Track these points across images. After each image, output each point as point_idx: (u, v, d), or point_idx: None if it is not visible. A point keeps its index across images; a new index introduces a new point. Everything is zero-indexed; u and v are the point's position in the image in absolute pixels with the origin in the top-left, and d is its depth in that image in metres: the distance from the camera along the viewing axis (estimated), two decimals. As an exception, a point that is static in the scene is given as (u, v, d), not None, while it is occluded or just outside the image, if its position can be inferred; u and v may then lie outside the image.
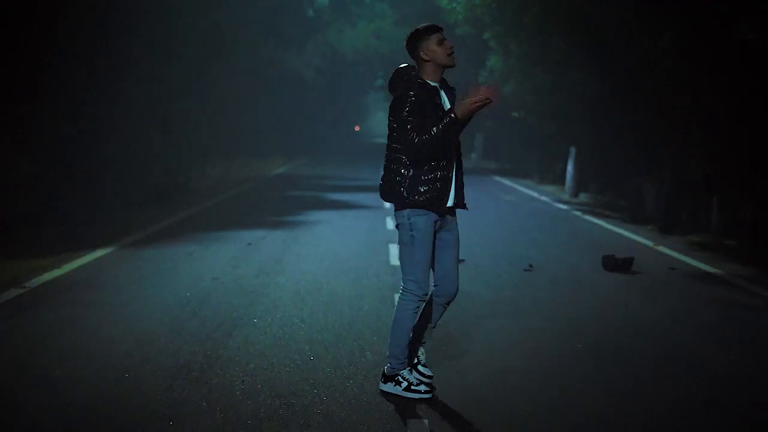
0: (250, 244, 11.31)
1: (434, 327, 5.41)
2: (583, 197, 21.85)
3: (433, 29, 5.00)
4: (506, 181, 27.02)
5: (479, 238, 12.48)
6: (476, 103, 4.71)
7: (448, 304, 5.31)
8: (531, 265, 10.25)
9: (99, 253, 10.29)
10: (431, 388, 5.16)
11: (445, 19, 25.57)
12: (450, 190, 5.06)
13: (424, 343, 5.37)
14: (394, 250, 10.97)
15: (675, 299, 8.64)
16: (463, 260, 10.39)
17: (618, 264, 10.14)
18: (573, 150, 22.75)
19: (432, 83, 5.03)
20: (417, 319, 5.19)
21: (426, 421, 4.79)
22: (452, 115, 4.79)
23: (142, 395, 5.10)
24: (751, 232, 13.34)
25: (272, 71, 30.89)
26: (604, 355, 6.36)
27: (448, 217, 5.16)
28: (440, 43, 4.96)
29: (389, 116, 5.01)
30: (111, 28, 14.68)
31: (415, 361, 5.29)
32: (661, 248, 12.43)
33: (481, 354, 6.25)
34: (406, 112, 4.86)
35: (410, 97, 4.88)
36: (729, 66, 11.30)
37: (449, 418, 4.88)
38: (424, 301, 5.17)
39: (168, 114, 20.09)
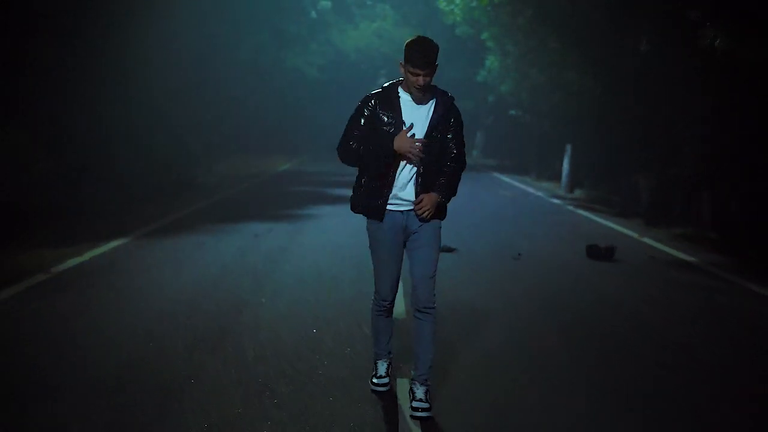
0: (257, 235, 12.03)
1: (427, 356, 5.02)
2: (578, 193, 22.54)
3: (413, 61, 4.77)
4: (505, 178, 27.72)
5: (473, 230, 13.21)
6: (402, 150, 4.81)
7: (425, 310, 5.05)
8: (520, 254, 10.96)
9: (116, 243, 11.01)
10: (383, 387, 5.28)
11: (444, 20, 26.27)
12: (383, 198, 4.96)
13: (420, 377, 5.04)
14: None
15: (648, 283, 9.37)
16: (456, 249, 11.14)
17: (600, 252, 10.85)
18: (569, 147, 23.44)
19: (401, 91, 4.96)
20: (388, 323, 5.23)
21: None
22: (390, 144, 4.82)
23: (165, 361, 5.83)
24: (738, 226, 13.96)
25: (276, 70, 31.62)
26: (576, 328, 7.10)
27: (412, 224, 5.04)
28: (413, 74, 4.81)
29: None
30: (123, 32, 15.40)
31: (410, 397, 5.04)
32: (646, 239, 13.14)
33: (466, 328, 6.98)
34: (353, 116, 5.01)
35: (365, 103, 4.98)
36: (699, 70, 11.99)
37: (434, 377, 5.59)
38: (386, 308, 5.16)
39: (175, 113, 20.80)
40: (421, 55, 4.76)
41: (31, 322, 6.86)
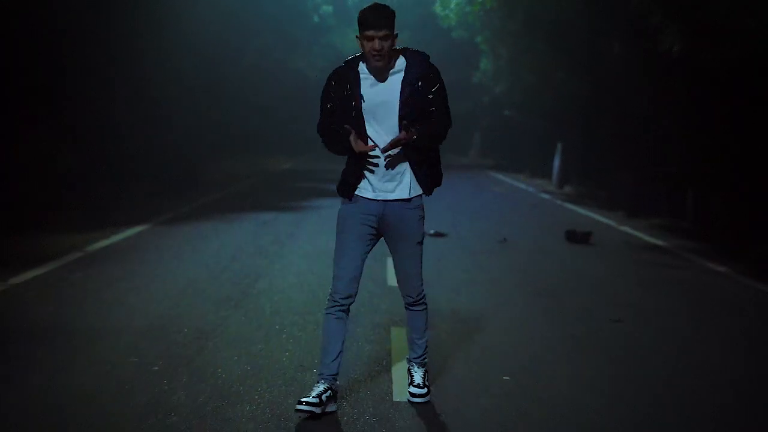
0: (265, 222, 13.15)
1: (422, 339, 4.91)
2: (567, 189, 23.61)
3: (365, 24, 4.47)
4: (499, 176, 28.82)
5: (464, 220, 14.35)
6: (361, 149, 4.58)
7: (415, 306, 4.89)
8: (505, 239, 12.06)
9: (137, 228, 12.11)
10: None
11: (441, 23, 27.40)
12: (355, 177, 4.73)
13: (416, 359, 4.93)
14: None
15: (617, 261, 10.51)
16: (447, 234, 12.26)
17: (578, 237, 11.96)
18: (560, 145, 24.53)
19: (361, 64, 4.63)
20: (338, 329, 4.75)
21: (405, 330, 6.61)
22: (350, 137, 4.57)
23: (196, 314, 6.93)
24: (717, 219, 14.90)
25: (279, 72, 32.74)
26: (546, 294, 8.22)
27: (391, 216, 4.71)
28: (368, 39, 4.47)
29: None
30: (139, 39, 16.57)
31: (408, 380, 4.95)
32: (624, 228, 14.25)
33: (451, 294, 8.09)
34: (322, 96, 4.72)
35: (330, 80, 4.68)
36: (659, 72, 13.11)
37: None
38: (342, 309, 4.76)
39: (184, 113, 21.88)
40: (373, 14, 4.46)
41: (78, 287, 7.97)
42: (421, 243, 4.80)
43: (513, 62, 23.57)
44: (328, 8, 29.71)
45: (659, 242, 12.47)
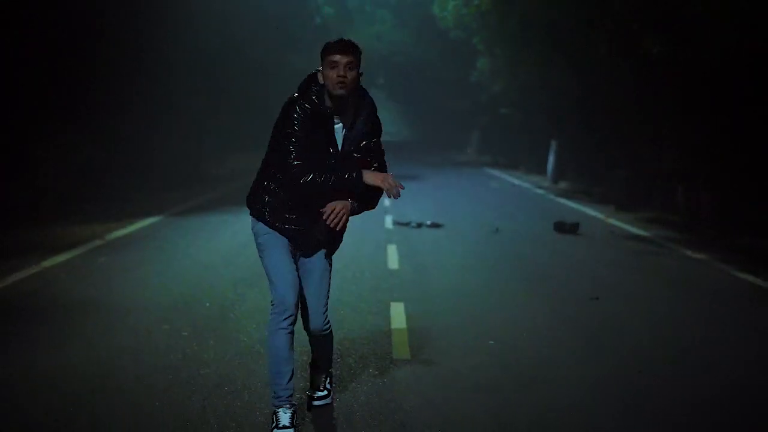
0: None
1: (322, 366, 4.78)
2: (562, 184, 24.35)
3: (331, 49, 4.22)
4: (496, 172, 29.55)
5: (461, 212, 15.12)
6: (382, 182, 4.27)
7: (318, 338, 4.61)
8: (498, 229, 12.82)
9: (152, 219, 12.86)
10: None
11: (440, 24, 28.19)
12: (297, 224, 4.45)
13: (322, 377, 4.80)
14: (389, 219, 13.56)
15: (601, 248, 11.28)
16: (444, 225, 13.02)
17: (566, 227, 12.72)
18: (554, 142, 25.27)
19: (327, 105, 4.26)
20: (291, 345, 4.33)
21: (402, 304, 7.37)
22: (357, 175, 4.24)
23: (216, 292, 7.70)
24: (705, 213, 15.55)
25: (282, 72, 33.45)
26: (534, 276, 9.00)
27: (301, 245, 4.56)
28: (332, 66, 4.19)
29: (276, 122, 4.36)
30: (157, 43, 17.41)
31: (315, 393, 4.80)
32: (612, 220, 15.00)
33: (447, 276, 8.86)
34: (292, 130, 4.23)
35: (300, 113, 4.22)
36: (647, 73, 13.87)
37: (418, 300, 7.47)
38: (289, 320, 4.32)
39: (191, 111, 22.62)
40: (339, 41, 4.28)
41: (104, 270, 8.73)
42: (329, 278, 4.71)
43: (509, 62, 24.32)
44: (329, 10, 30.53)
45: (644, 233, 13.21)
